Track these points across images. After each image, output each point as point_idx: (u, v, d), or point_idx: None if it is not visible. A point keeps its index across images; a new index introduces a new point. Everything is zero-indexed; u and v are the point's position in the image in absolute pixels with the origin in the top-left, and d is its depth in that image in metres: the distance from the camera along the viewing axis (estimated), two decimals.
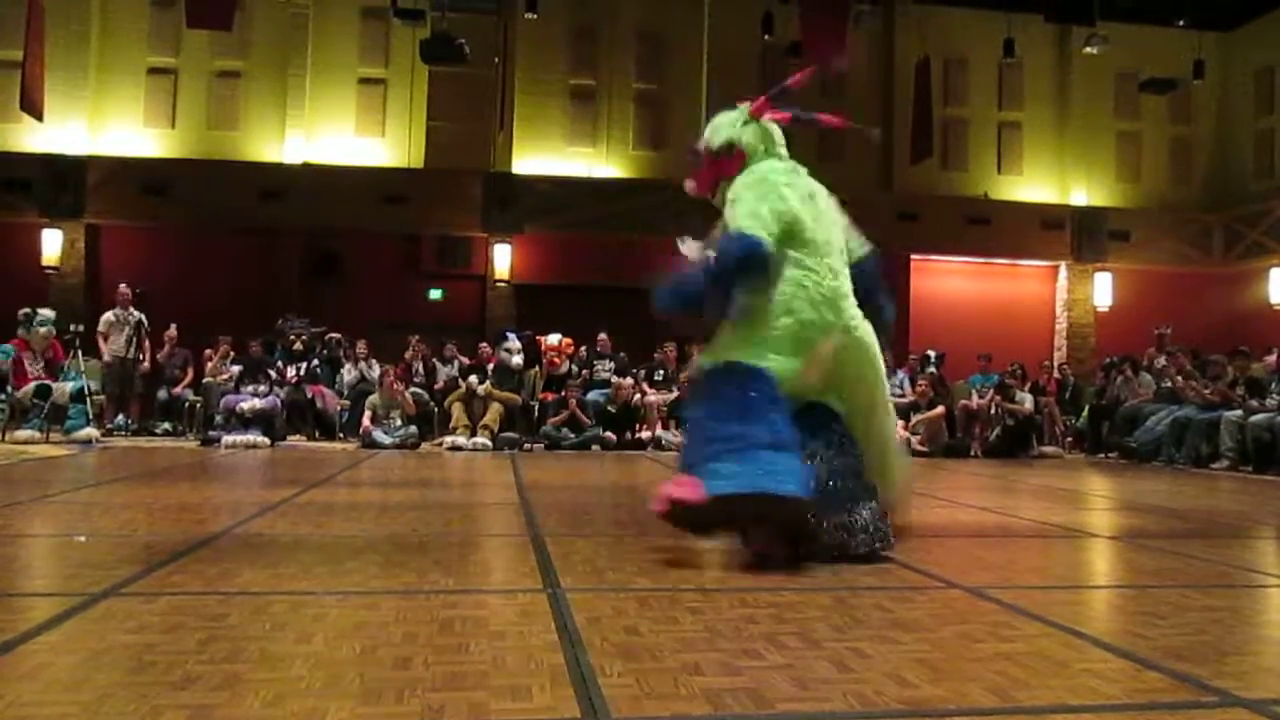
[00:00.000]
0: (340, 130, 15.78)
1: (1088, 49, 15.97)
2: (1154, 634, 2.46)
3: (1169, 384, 11.12)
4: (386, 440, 10.32)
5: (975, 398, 12.00)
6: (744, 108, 3.86)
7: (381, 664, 2.03)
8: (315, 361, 11.93)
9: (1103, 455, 11.56)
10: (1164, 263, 17.29)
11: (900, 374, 12.07)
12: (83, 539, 3.75)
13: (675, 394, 11.41)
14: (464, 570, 3.20)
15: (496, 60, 15.67)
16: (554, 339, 12.15)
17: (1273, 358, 10.55)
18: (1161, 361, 11.69)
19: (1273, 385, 9.91)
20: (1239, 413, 9.71)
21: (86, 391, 10.05)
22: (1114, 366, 12.17)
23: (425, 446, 10.63)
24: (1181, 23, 16.25)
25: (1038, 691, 1.96)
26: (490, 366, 11.44)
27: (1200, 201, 17.85)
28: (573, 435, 10.78)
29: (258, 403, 10.43)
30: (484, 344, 12.18)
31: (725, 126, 3.83)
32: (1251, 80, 17.62)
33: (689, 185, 3.94)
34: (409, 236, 15.63)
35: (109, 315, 11.63)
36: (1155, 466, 9.94)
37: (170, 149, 15.36)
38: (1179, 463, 9.99)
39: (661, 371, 12.13)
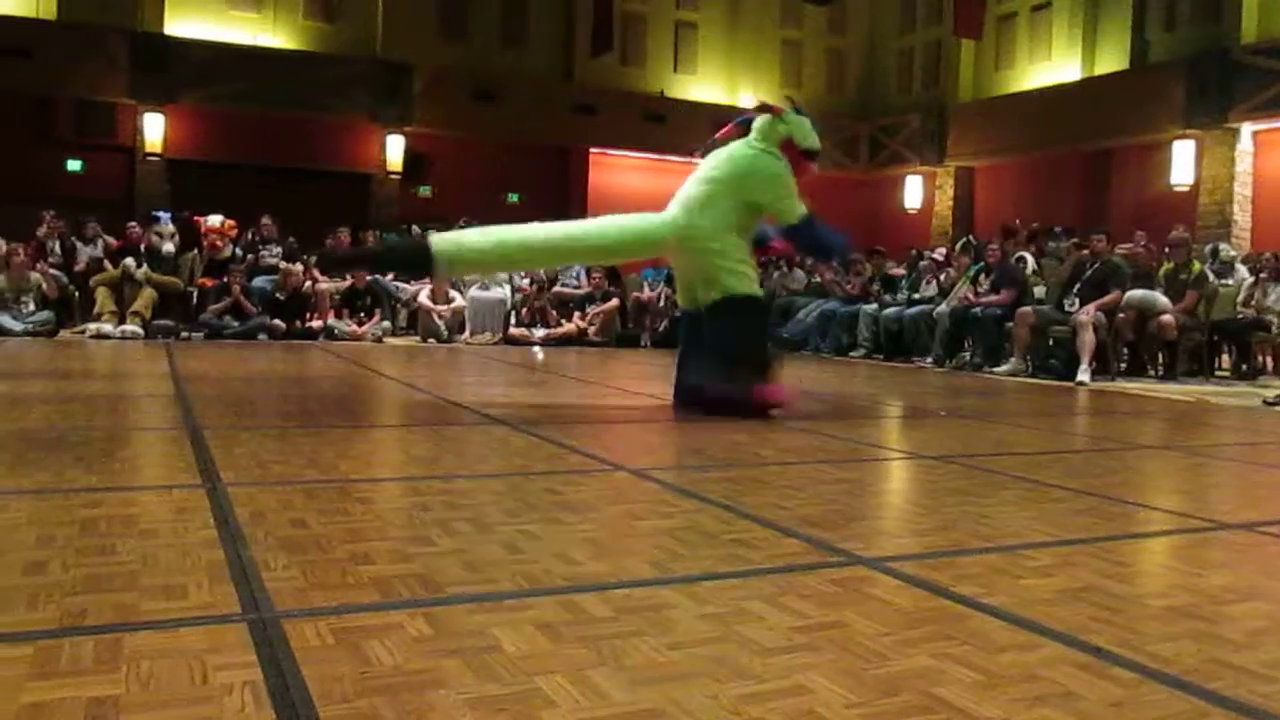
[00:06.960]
0: None
1: None
2: (793, 505, 2.71)
3: (818, 279, 12.12)
4: (16, 327, 9.26)
5: (646, 290, 12.49)
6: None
7: (10, 570, 1.85)
8: None
9: None
10: (819, 166, 18.62)
11: (576, 267, 12.32)
12: None
13: (349, 281, 11.01)
14: (109, 468, 2.95)
15: None
16: (215, 220, 11.30)
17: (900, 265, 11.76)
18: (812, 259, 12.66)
19: (903, 283, 11.07)
20: (874, 306, 10.78)
21: None
22: (771, 263, 13.07)
23: (64, 334, 9.64)
24: None
25: (691, 561, 2.11)
26: (142, 248, 10.49)
27: (851, 110, 19.33)
28: (236, 324, 10.16)
29: None
30: (133, 224, 11.11)
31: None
32: (898, 2, 19.14)
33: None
34: (39, 99, 13.84)
35: None
36: (804, 355, 10.86)
37: None
38: (824, 351, 10.98)
39: None
